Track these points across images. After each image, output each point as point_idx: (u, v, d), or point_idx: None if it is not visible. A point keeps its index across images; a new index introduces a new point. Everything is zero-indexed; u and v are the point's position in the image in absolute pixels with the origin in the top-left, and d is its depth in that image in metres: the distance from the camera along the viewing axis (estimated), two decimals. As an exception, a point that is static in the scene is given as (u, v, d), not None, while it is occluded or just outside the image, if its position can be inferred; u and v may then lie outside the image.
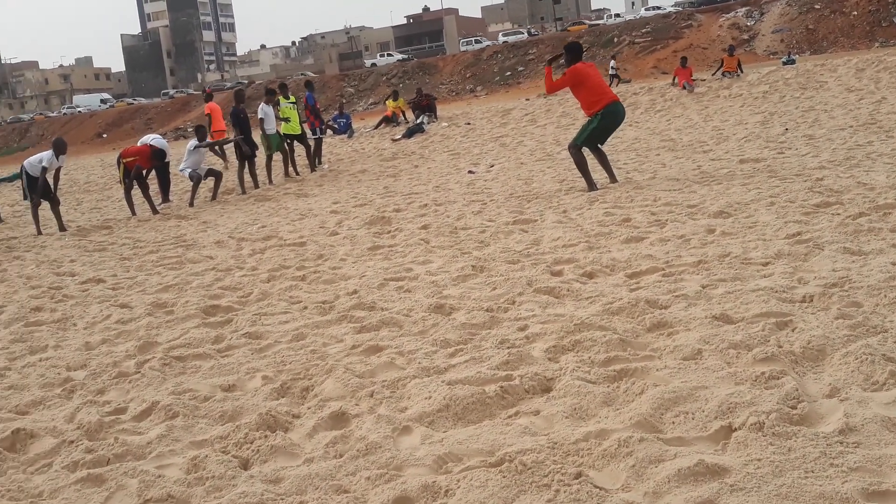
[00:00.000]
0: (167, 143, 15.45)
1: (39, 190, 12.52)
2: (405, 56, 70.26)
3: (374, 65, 66.63)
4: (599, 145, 10.22)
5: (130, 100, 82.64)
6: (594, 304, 4.94)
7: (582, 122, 11.03)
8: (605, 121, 10.03)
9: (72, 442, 3.71)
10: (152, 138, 15.10)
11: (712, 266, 5.50)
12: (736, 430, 3.03)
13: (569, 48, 10.30)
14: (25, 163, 13.08)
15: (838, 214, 6.65)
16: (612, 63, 36.65)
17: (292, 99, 17.53)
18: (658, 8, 62.61)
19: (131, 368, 4.82)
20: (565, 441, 3.10)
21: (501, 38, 65.48)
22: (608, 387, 3.63)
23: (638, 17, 59.73)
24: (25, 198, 12.78)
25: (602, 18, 73.37)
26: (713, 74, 26.33)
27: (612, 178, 10.20)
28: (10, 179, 25.23)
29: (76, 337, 5.82)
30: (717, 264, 5.53)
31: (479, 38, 72.73)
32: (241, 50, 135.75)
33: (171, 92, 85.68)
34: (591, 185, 9.88)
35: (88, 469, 3.40)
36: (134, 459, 3.47)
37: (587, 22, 70.76)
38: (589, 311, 4.81)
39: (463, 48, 64.91)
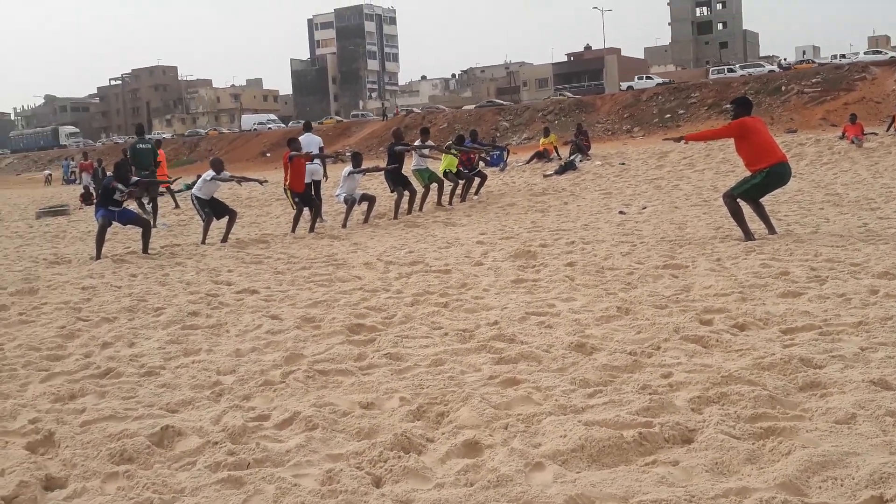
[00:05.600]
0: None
1: (227, 208, 13.80)
2: (665, 80, 66.18)
3: (630, 87, 63.38)
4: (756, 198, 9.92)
5: (340, 118, 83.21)
6: (744, 358, 4.75)
7: (743, 171, 10.69)
8: (768, 179, 9.72)
9: (216, 443, 3.86)
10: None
11: (873, 328, 5.20)
12: (888, 501, 2.85)
13: (738, 101, 10.24)
14: (193, 191, 14.06)
15: None
16: None
17: (454, 152, 18.18)
18: (844, 55, 59.06)
19: (277, 378, 4.99)
20: (703, 496, 2.99)
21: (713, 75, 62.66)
22: (753, 444, 3.48)
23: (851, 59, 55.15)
24: (203, 218, 13.68)
25: (775, 66, 70.07)
26: (886, 130, 25.06)
27: (771, 230, 9.83)
28: (185, 189, 26.84)
29: (228, 343, 6.08)
30: (878, 327, 5.22)
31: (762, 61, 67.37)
32: (402, 80, 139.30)
33: (364, 114, 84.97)
34: (748, 235, 9.56)
35: (229, 471, 3.53)
36: (273, 466, 3.58)
37: (816, 61, 67.21)
38: (738, 363, 4.63)
39: (714, 76, 60.10)
